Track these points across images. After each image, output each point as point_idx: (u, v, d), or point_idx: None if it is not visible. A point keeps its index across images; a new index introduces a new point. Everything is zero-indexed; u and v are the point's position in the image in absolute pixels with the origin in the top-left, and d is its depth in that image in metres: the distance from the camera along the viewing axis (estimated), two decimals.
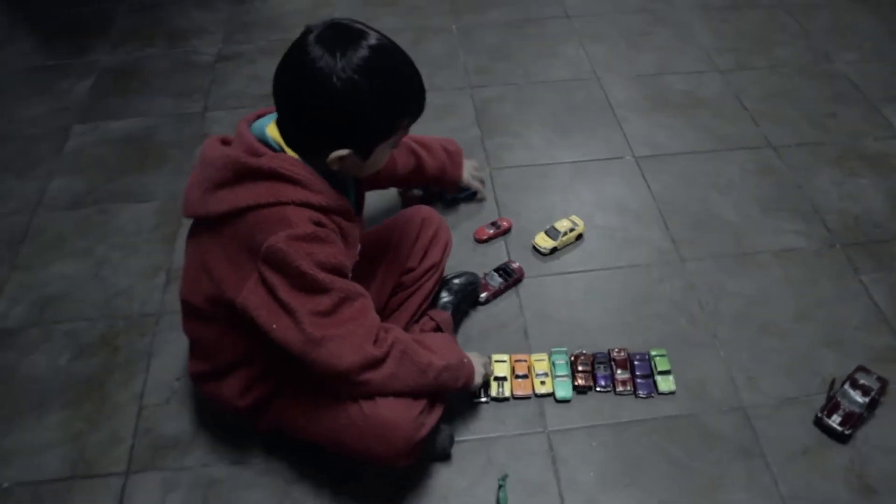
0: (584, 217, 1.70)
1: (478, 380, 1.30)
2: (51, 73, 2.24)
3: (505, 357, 1.44)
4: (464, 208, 1.75)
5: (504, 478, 1.26)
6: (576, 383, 1.40)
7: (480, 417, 1.37)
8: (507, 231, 1.69)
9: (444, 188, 1.71)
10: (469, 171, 1.69)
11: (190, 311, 1.20)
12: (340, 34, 1.02)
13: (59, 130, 2.03)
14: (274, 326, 1.06)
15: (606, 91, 2.07)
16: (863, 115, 1.98)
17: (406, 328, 1.39)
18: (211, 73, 2.22)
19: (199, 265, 1.13)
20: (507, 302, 1.56)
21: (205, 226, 1.11)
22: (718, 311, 1.52)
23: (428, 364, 1.14)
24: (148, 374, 1.45)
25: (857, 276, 1.58)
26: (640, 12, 2.38)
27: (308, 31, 1.03)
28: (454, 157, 1.64)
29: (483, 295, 1.54)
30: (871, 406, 1.34)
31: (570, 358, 1.44)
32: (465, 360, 1.26)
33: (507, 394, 1.39)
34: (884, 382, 1.36)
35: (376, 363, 1.09)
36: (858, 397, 1.34)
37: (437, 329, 1.38)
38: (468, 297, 1.51)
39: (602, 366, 1.43)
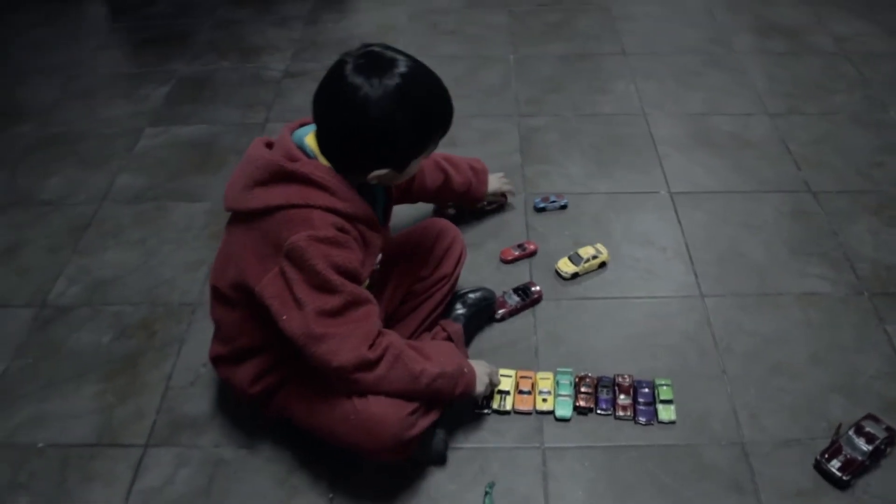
0: (610, 247, 1.73)
1: (480, 388, 1.34)
2: (134, 80, 2.43)
3: (511, 372, 1.48)
4: (493, 229, 1.81)
5: (491, 485, 1.29)
6: (577, 404, 1.42)
7: (480, 427, 1.41)
8: (532, 254, 1.74)
9: (469, 203, 1.78)
10: (496, 184, 1.77)
11: (217, 296, 1.30)
12: (375, 62, 1.11)
13: (133, 131, 2.20)
14: (284, 317, 1.14)
15: (651, 127, 2.10)
16: None
17: (415, 335, 1.45)
18: (276, 87, 2.36)
19: (229, 253, 1.24)
20: (522, 321, 1.60)
21: (240, 219, 1.21)
22: (731, 348, 1.52)
23: (421, 371, 1.20)
24: (178, 359, 1.56)
25: (882, 326, 1.55)
26: (697, 53, 2.40)
27: (344, 60, 1.13)
28: (480, 175, 1.72)
29: (500, 312, 1.59)
30: (876, 455, 1.31)
31: (574, 379, 1.46)
32: (466, 370, 1.30)
33: (509, 407, 1.43)
34: (892, 433, 1.33)
35: (369, 365, 1.16)
36: (862, 444, 1.31)
37: (448, 339, 1.43)
38: (482, 312, 1.56)
39: (605, 389, 1.45)
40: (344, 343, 1.14)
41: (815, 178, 1.91)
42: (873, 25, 2.52)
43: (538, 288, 1.64)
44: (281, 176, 1.14)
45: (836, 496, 1.28)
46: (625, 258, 1.72)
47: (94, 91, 2.40)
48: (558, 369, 1.48)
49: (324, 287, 1.12)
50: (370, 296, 1.18)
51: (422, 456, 1.33)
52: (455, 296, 1.54)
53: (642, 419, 1.40)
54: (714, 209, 1.84)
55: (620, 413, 1.41)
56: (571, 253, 1.69)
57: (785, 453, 1.34)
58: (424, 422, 1.25)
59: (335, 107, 1.12)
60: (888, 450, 1.33)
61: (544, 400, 1.44)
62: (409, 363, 1.19)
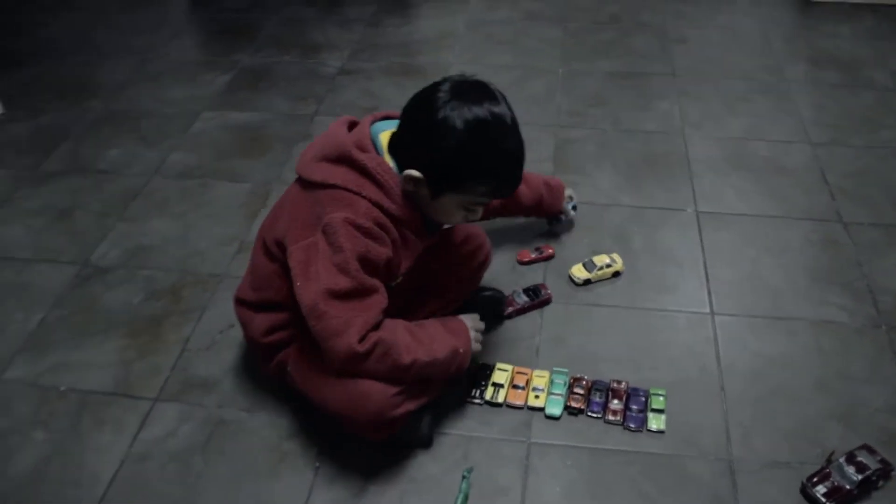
0: (628, 258, 1.74)
1: (475, 346, 1.39)
2: (200, 67, 2.57)
3: (508, 367, 1.51)
4: (514, 231, 1.84)
5: (469, 470, 1.32)
6: (568, 404, 1.44)
7: (469, 416, 1.44)
8: (548, 258, 1.76)
9: (543, 217, 1.82)
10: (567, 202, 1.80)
11: (261, 245, 1.37)
12: (478, 90, 1.20)
13: (191, 114, 2.33)
14: (298, 284, 1.22)
15: (688, 147, 2.09)
16: None
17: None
18: (330, 83, 2.46)
19: (282, 211, 1.33)
20: (528, 320, 1.62)
21: (302, 184, 1.28)
22: (734, 367, 1.51)
23: (412, 362, 1.24)
24: (198, 324, 1.64)
25: None
26: (747, 79, 2.38)
27: (452, 77, 1.22)
28: (554, 192, 1.75)
29: (507, 310, 1.62)
30: (866, 487, 1.28)
31: (569, 380, 1.48)
32: (461, 350, 1.34)
33: (501, 400, 1.46)
34: (887, 466, 1.30)
35: (357, 358, 1.21)
36: (852, 473, 1.28)
37: None
38: (491, 312, 1.59)
39: (599, 393, 1.46)
40: (339, 328, 1.19)
41: (848, 209, 1.87)
42: None
43: (548, 290, 1.66)
44: (347, 160, 1.22)
45: None
46: (640, 270, 1.73)
47: (163, 74, 2.55)
48: (554, 368, 1.50)
49: (341, 268, 1.19)
50: (380, 288, 1.23)
51: (407, 437, 1.37)
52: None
53: (631, 425, 1.41)
54: (739, 231, 1.82)
55: (610, 417, 1.42)
56: (586, 260, 1.71)
57: (772, 474, 1.33)
58: (411, 404, 1.29)
59: (415, 100, 1.22)
60: (880, 483, 1.30)
61: (536, 396, 1.46)
62: (398, 357, 1.23)
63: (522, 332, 1.60)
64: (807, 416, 1.42)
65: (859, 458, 1.31)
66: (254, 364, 1.53)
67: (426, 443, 1.39)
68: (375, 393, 1.23)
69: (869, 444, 1.35)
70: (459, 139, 1.16)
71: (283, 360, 1.38)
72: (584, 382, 1.47)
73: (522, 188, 1.67)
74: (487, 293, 1.59)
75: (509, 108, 1.22)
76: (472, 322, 1.41)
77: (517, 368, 1.51)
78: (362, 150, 1.23)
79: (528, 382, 1.48)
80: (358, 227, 1.19)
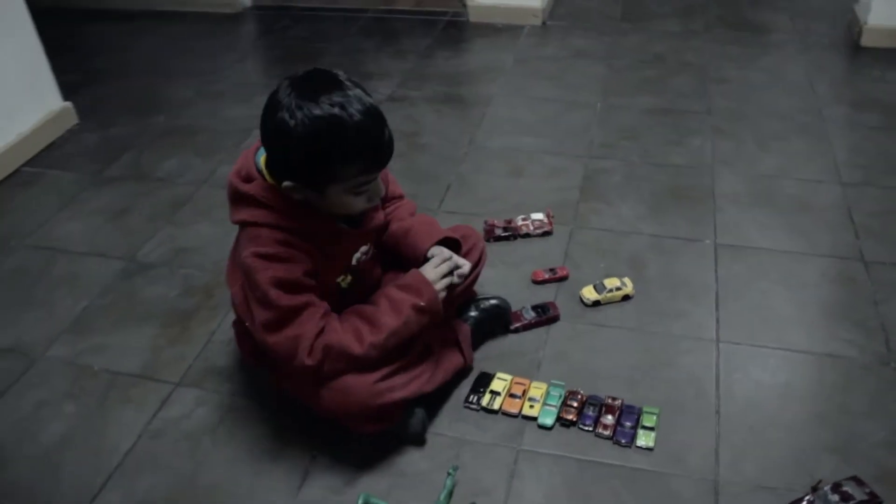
0: (640, 284, 1.77)
1: (441, 294, 1.39)
2: (257, 89, 2.74)
3: (507, 377, 1.56)
4: (532, 252, 1.90)
5: (455, 467, 1.37)
6: (561, 415, 1.48)
7: (465, 420, 1.50)
8: (562, 279, 1.81)
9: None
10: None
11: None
12: (313, 81, 1.22)
13: (244, 131, 2.49)
14: (247, 324, 1.35)
15: (715, 182, 2.12)
16: None
17: None
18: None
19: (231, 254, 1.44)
20: (534, 335, 1.67)
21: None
22: (732, 392, 1.52)
23: (367, 347, 1.31)
24: (224, 320, 1.75)
25: None
26: (784, 120, 2.39)
27: (293, 75, 1.24)
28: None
29: (514, 325, 1.67)
30: None
31: (565, 393, 1.52)
32: (423, 304, 1.36)
33: (497, 407, 1.50)
34: (874, 499, 1.29)
35: (312, 371, 1.29)
36: (835, 502, 1.28)
37: (455, 339, 1.53)
38: (494, 320, 1.65)
39: (593, 407, 1.49)
40: (289, 353, 1.29)
41: (872, 248, 1.86)
42: None
43: (557, 308, 1.71)
44: (235, 196, 1.31)
45: None
46: (651, 296, 1.76)
47: (223, 95, 2.73)
48: (552, 381, 1.54)
49: (262, 302, 1.28)
50: (310, 299, 1.30)
51: (400, 432, 1.44)
52: (470, 300, 1.64)
53: (621, 440, 1.43)
54: (755, 264, 1.83)
55: (601, 431, 1.45)
56: (597, 282, 1.76)
57: (756, 498, 1.33)
58: (396, 394, 1.36)
59: (263, 113, 1.24)
60: None
61: (531, 406, 1.50)
62: (349, 351, 1.30)
63: (527, 346, 1.65)
64: (801, 446, 1.42)
65: (845, 489, 1.30)
66: None
67: (418, 440, 1.45)
68: (356, 385, 1.31)
69: (861, 477, 1.34)
70: (301, 138, 1.17)
71: (277, 374, 1.49)
72: (579, 396, 1.51)
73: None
74: (493, 301, 1.65)
75: (350, 88, 1.21)
76: (432, 268, 1.40)
77: (516, 379, 1.56)
78: (247, 180, 1.29)
79: (524, 392, 1.53)
80: (264, 257, 1.26)
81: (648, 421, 1.46)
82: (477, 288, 1.68)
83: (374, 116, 1.22)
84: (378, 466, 1.41)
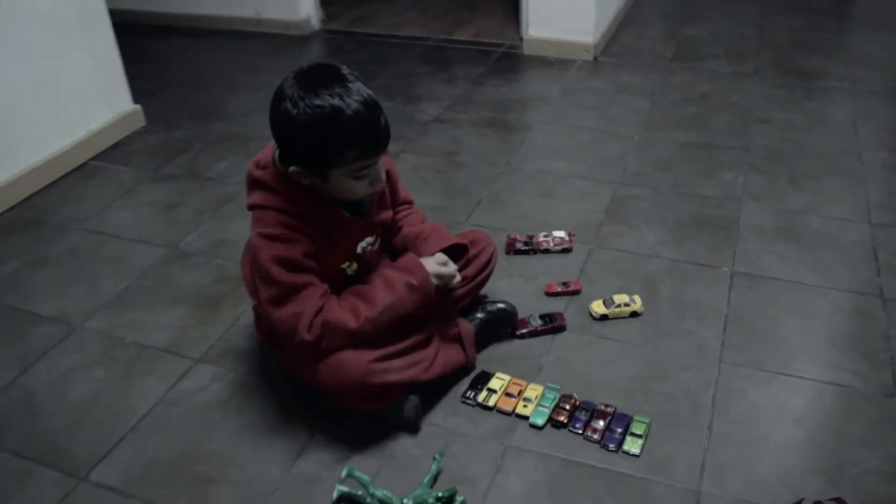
0: (651, 304, 1.80)
1: (434, 281, 1.48)
2: None
3: (506, 377, 1.61)
4: (549, 267, 1.95)
5: (441, 453, 1.42)
6: (553, 416, 1.52)
7: (460, 414, 1.55)
8: (574, 293, 1.85)
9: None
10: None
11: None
12: (316, 74, 1.32)
13: None
14: (255, 303, 1.46)
15: (741, 214, 2.13)
16: None
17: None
18: (423, 129, 2.69)
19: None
20: (539, 342, 1.72)
21: None
22: (726, 411, 1.53)
23: (362, 322, 1.39)
24: (249, 307, 1.85)
25: None
26: (821, 160, 2.39)
27: (299, 68, 1.34)
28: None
29: (521, 331, 1.72)
30: None
31: (560, 396, 1.56)
32: (416, 282, 1.45)
33: (492, 404, 1.55)
34: None
35: (311, 346, 1.38)
36: None
37: (458, 336, 1.60)
38: (500, 323, 1.70)
39: (585, 411, 1.52)
40: (290, 329, 1.38)
41: (893, 286, 1.84)
42: None
43: (564, 319, 1.75)
44: (251, 182, 1.43)
45: None
46: (659, 314, 1.78)
47: None
48: (548, 384, 1.59)
49: (266, 280, 1.39)
50: (310, 279, 1.39)
51: (393, 417, 1.50)
52: (478, 302, 1.70)
53: (609, 444, 1.46)
54: (769, 293, 1.84)
55: (590, 434, 1.48)
56: (607, 297, 1.79)
57: None
58: (392, 376, 1.42)
59: (271, 104, 1.34)
60: None
61: (525, 406, 1.54)
62: (346, 326, 1.38)
63: (530, 352, 1.70)
64: (789, 467, 1.42)
65: None
66: None
67: (412, 427, 1.50)
68: (352, 362, 1.39)
69: (845, 500, 1.33)
70: (303, 127, 1.27)
71: (283, 353, 1.59)
72: (572, 400, 1.54)
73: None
74: (500, 305, 1.70)
75: (351, 81, 1.30)
76: (433, 261, 1.50)
77: (514, 379, 1.60)
78: (263, 167, 1.41)
79: (520, 392, 1.57)
80: (267, 237, 1.37)
81: (638, 428, 1.48)
82: (487, 293, 1.75)
83: (370, 106, 1.32)
84: (371, 448, 1.48)
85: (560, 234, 2.03)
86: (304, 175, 1.36)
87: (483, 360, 1.67)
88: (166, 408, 1.60)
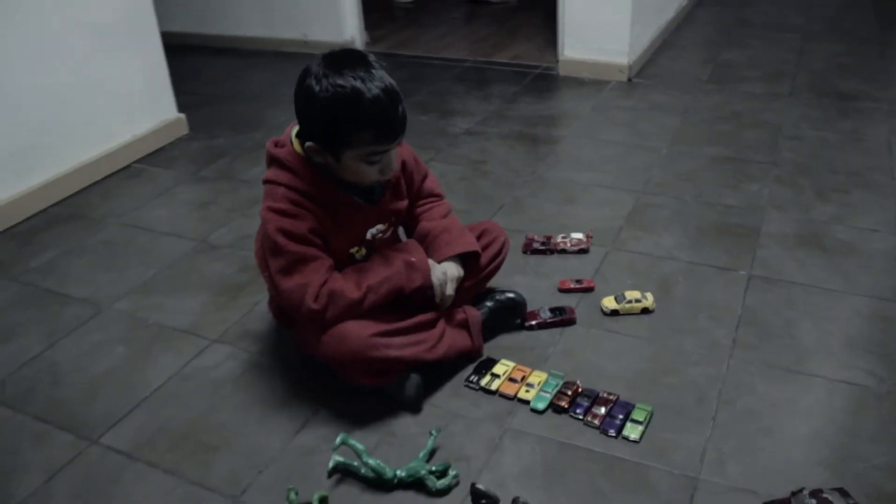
0: (664, 302, 1.79)
1: (435, 279, 1.53)
2: None
3: (511, 364, 1.61)
4: (565, 265, 1.96)
5: (438, 429, 1.43)
6: (554, 402, 1.51)
7: (462, 397, 1.56)
8: (587, 290, 1.85)
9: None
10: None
11: None
12: (342, 57, 1.38)
13: None
14: (265, 275, 1.51)
15: (763, 223, 2.11)
16: None
17: None
18: (453, 140, 2.75)
19: None
20: (548, 334, 1.72)
21: None
22: (732, 404, 1.51)
23: (364, 291, 1.44)
24: (268, 294, 1.91)
25: None
26: (851, 175, 2.35)
27: (324, 54, 1.40)
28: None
29: (530, 322, 1.73)
30: None
31: (562, 383, 1.56)
32: (415, 259, 1.51)
33: (495, 388, 1.56)
34: None
35: (317, 314, 1.42)
36: None
37: (465, 322, 1.62)
38: (509, 312, 1.71)
39: (587, 398, 1.52)
40: (298, 299, 1.43)
41: None
42: None
43: (574, 312, 1.76)
44: (269, 159, 1.49)
45: None
46: (671, 312, 1.77)
47: None
48: (552, 371, 1.59)
49: (274, 251, 1.44)
50: (315, 252, 1.44)
51: (395, 393, 1.52)
52: (487, 292, 1.72)
53: (608, 430, 1.45)
54: (786, 296, 1.81)
55: (590, 419, 1.47)
56: (619, 293, 1.79)
57: (734, 498, 1.31)
58: (393, 352, 1.45)
59: (297, 85, 1.40)
60: None
61: (527, 391, 1.55)
62: (349, 295, 1.43)
63: (538, 342, 1.70)
64: (792, 458, 1.38)
65: (827, 497, 1.26)
66: None
67: (413, 406, 1.52)
68: (354, 333, 1.42)
69: (848, 491, 1.29)
70: (322, 103, 1.33)
71: (293, 325, 1.64)
72: (575, 386, 1.54)
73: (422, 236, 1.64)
74: (509, 294, 1.72)
75: (376, 68, 1.36)
76: (438, 269, 1.55)
77: (518, 366, 1.61)
78: (280, 146, 1.47)
79: (523, 378, 1.58)
80: (276, 211, 1.42)
81: (639, 415, 1.47)
82: (497, 284, 1.77)
83: (390, 93, 1.37)
84: (371, 425, 1.50)
85: (578, 235, 2.05)
86: (319, 153, 1.42)
87: (490, 348, 1.68)
88: (180, 382, 1.65)
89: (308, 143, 1.41)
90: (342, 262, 1.52)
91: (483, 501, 1.29)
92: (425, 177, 1.68)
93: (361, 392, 1.55)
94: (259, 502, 1.35)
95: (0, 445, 1.51)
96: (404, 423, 1.50)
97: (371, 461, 1.35)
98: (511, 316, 1.73)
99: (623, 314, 1.77)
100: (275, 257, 1.45)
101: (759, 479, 1.34)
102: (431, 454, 1.41)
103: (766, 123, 2.75)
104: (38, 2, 2.31)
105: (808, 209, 2.18)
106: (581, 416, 1.49)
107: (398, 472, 1.35)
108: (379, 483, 1.36)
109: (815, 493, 1.27)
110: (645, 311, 1.77)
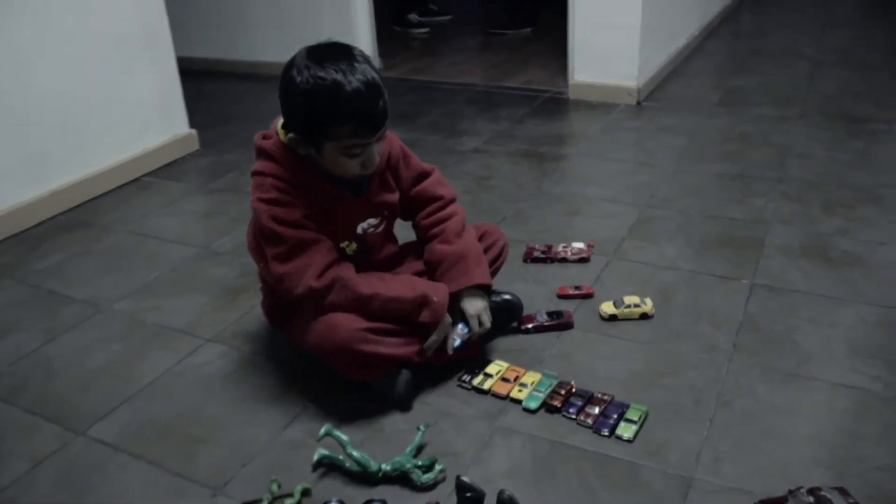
0: (663, 309, 1.77)
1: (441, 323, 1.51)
2: None
3: (504, 364, 1.59)
4: (565, 273, 1.94)
5: (426, 425, 1.40)
6: (547, 401, 1.48)
7: (454, 396, 1.54)
8: (586, 296, 1.83)
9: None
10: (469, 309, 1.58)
11: None
12: (325, 50, 1.38)
13: None
14: (260, 265, 1.53)
15: (767, 235, 2.08)
16: None
17: None
18: (459, 157, 2.76)
19: None
20: (544, 338, 1.70)
21: None
22: (730, 405, 1.47)
23: (372, 293, 1.43)
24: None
25: None
26: (861, 191, 2.32)
27: (309, 47, 1.40)
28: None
29: (526, 325, 1.71)
30: None
31: (556, 383, 1.53)
32: (436, 299, 1.48)
33: (487, 388, 1.53)
34: None
35: (318, 293, 1.42)
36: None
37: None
38: (505, 312, 1.69)
39: (580, 398, 1.49)
40: (297, 278, 1.42)
41: None
42: None
43: (571, 316, 1.73)
44: (256, 151, 1.50)
45: None
46: (671, 318, 1.74)
47: None
48: (545, 371, 1.56)
49: (271, 238, 1.44)
50: (314, 236, 1.44)
51: (385, 390, 1.50)
52: None
53: (601, 429, 1.41)
54: (790, 303, 1.78)
55: (583, 419, 1.44)
56: (617, 298, 1.77)
57: (729, 498, 1.27)
58: (383, 349, 1.44)
59: (281, 76, 1.40)
60: None
61: (520, 391, 1.52)
62: (357, 288, 1.42)
63: (532, 345, 1.68)
64: (790, 459, 1.34)
65: (825, 495, 1.22)
66: None
67: (404, 403, 1.50)
68: (344, 325, 1.41)
69: (849, 490, 1.25)
70: (303, 94, 1.34)
71: (286, 320, 1.63)
72: (568, 386, 1.51)
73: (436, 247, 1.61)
74: (505, 296, 1.70)
75: (359, 62, 1.36)
76: (475, 305, 1.55)
77: (512, 366, 1.58)
78: (267, 137, 1.48)
79: (516, 378, 1.55)
80: (266, 201, 1.43)
81: (633, 415, 1.43)
82: (495, 287, 1.75)
83: (371, 87, 1.35)
84: (359, 421, 1.48)
85: (579, 244, 2.03)
86: (301, 145, 1.41)
87: (484, 351, 1.66)
88: (172, 378, 1.64)
89: (290, 135, 1.41)
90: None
91: (468, 495, 1.26)
92: (421, 174, 1.65)
93: (352, 389, 1.53)
94: (241, 494, 1.33)
95: None
96: (393, 420, 1.48)
97: (356, 453, 1.33)
98: (507, 318, 1.71)
99: (621, 319, 1.74)
100: (274, 245, 1.44)
101: (756, 479, 1.30)
102: (419, 450, 1.39)
103: (774, 143, 2.73)
104: (60, 11, 2.37)
105: (813, 222, 2.15)
106: (574, 416, 1.45)
107: (383, 466, 1.32)
108: (364, 476, 1.33)
109: (812, 492, 1.22)
110: (644, 316, 1.74)
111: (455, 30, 4.75)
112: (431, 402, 1.52)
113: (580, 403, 1.48)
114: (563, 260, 2.00)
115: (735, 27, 4.60)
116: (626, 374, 1.58)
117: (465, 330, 1.55)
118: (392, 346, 1.46)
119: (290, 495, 1.29)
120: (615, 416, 1.44)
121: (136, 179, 2.70)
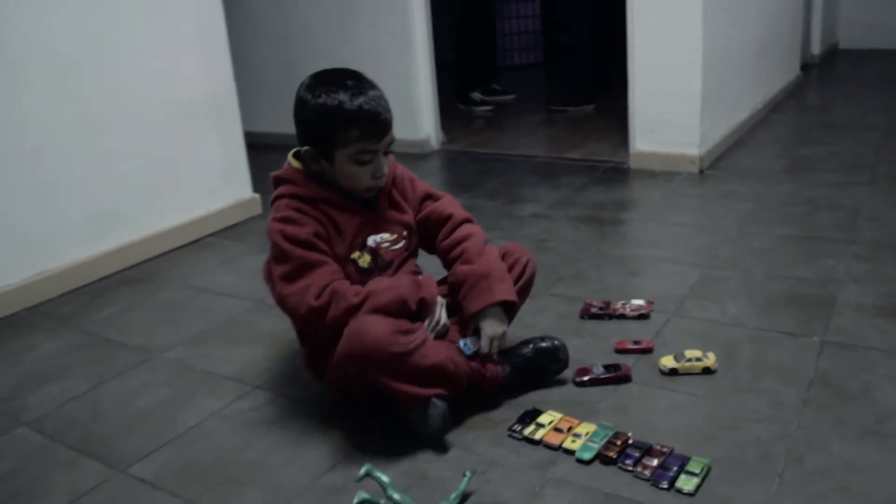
0: (727, 364, 1.67)
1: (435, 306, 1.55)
2: None
3: (557, 415, 1.51)
4: (626, 329, 1.86)
5: (472, 471, 1.32)
6: (602, 452, 1.40)
7: (502, 445, 1.46)
8: (645, 351, 1.75)
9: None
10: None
11: None
12: (328, 78, 1.51)
13: None
14: (270, 287, 1.55)
15: (839, 292, 1.97)
16: None
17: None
18: (519, 222, 2.74)
19: None
20: (600, 390, 1.62)
21: None
22: (802, 459, 1.35)
23: (363, 298, 1.45)
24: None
25: None
26: None
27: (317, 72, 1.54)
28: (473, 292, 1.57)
29: (581, 378, 1.63)
30: None
31: (612, 433, 1.44)
32: (419, 278, 1.56)
33: (539, 437, 1.46)
34: None
35: (318, 312, 1.43)
36: None
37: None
38: (548, 355, 1.63)
39: (637, 449, 1.39)
40: (299, 299, 1.45)
41: None
42: None
43: (629, 369, 1.65)
44: (273, 181, 1.59)
45: None
46: (735, 373, 1.64)
47: None
48: (601, 422, 1.47)
49: (280, 256, 1.48)
50: (320, 258, 1.47)
51: (418, 423, 1.46)
52: (525, 340, 1.65)
53: (660, 482, 1.31)
54: (865, 360, 1.65)
55: (640, 471, 1.35)
56: (678, 352, 1.68)
57: None
58: (416, 354, 1.41)
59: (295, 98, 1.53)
60: None
61: (573, 441, 1.44)
62: (348, 298, 1.43)
63: (588, 397, 1.59)
64: None
65: None
66: None
67: (437, 437, 1.45)
68: (375, 327, 1.39)
69: None
70: (313, 106, 1.47)
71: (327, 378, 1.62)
72: (625, 437, 1.42)
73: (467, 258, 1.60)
74: (543, 344, 1.63)
75: (367, 84, 1.49)
76: (493, 327, 1.54)
77: (565, 417, 1.51)
78: (282, 168, 1.58)
79: (570, 429, 1.47)
80: (280, 220, 1.49)
81: (694, 467, 1.33)
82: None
83: (376, 97, 1.48)
84: (402, 466, 1.42)
85: (638, 301, 1.96)
86: (315, 159, 1.52)
87: (536, 402, 1.58)
88: (216, 422, 1.62)
89: (305, 149, 1.51)
90: (346, 269, 1.53)
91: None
92: (429, 195, 1.69)
93: (394, 434, 1.48)
94: None
95: (30, 470, 1.50)
96: (437, 467, 1.41)
97: (396, 496, 1.26)
98: (552, 362, 1.63)
99: (682, 373, 1.65)
100: (280, 264, 1.47)
101: None
102: (464, 498, 1.31)
103: (843, 206, 2.63)
104: (131, 74, 2.51)
105: (888, 282, 2.03)
106: (631, 468, 1.36)
107: None
108: None
109: None
110: (706, 370, 1.64)
111: (517, 107, 4.82)
112: (479, 452, 1.45)
113: (637, 455, 1.38)
114: (622, 316, 1.93)
115: (800, 101, 4.54)
116: (686, 427, 1.48)
117: (476, 341, 1.56)
118: (426, 349, 1.44)
119: None
120: (675, 468, 1.34)
121: (199, 240, 2.76)
